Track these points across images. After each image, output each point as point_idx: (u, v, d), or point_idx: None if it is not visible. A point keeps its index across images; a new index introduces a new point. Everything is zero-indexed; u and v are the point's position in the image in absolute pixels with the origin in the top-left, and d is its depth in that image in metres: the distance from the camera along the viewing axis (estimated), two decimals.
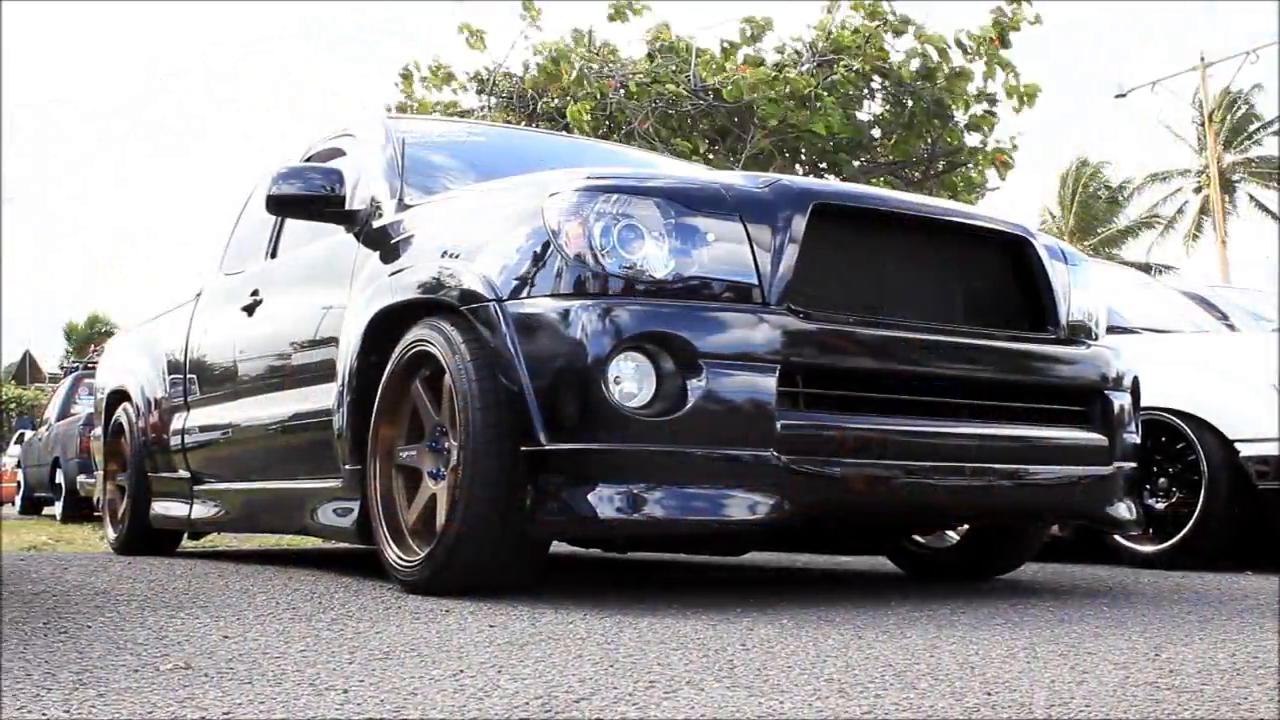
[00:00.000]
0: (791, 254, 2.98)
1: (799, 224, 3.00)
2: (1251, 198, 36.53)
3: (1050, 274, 3.45)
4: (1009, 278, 3.46)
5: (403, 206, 3.76)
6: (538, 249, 2.99)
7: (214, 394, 4.78)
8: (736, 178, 3.16)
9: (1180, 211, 37.37)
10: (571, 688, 1.76)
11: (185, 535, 5.74)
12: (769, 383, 2.82)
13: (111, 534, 5.76)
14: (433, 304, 3.25)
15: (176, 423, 5.11)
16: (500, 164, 4.24)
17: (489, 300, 3.00)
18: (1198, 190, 36.07)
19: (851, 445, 2.93)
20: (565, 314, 2.84)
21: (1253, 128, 35.68)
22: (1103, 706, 1.66)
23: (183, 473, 5.05)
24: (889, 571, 4.33)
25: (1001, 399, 3.24)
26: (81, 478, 11.15)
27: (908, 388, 3.08)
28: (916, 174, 10.41)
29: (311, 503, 3.84)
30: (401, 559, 3.22)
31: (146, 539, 5.47)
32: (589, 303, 2.83)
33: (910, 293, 3.30)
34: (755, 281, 2.93)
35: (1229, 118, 34.59)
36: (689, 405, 2.77)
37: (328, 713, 1.59)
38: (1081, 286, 3.57)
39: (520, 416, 2.88)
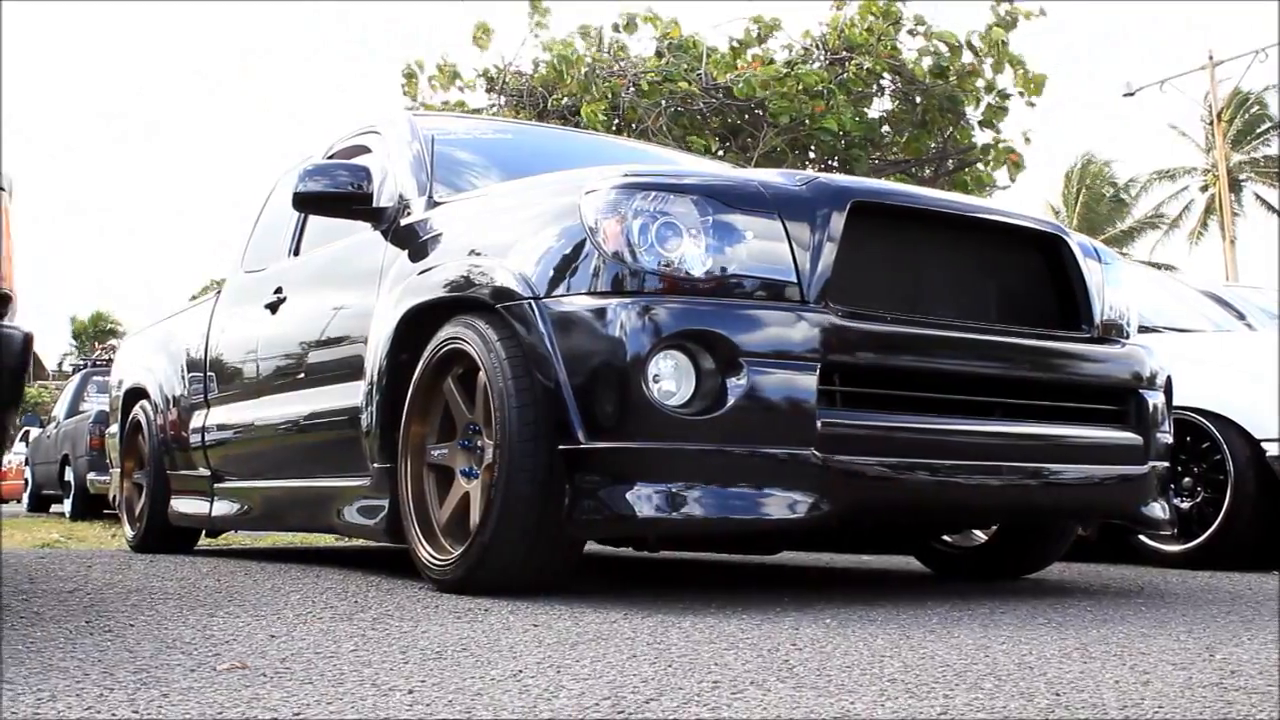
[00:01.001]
0: (830, 252, 2.96)
1: (837, 222, 2.99)
2: (1258, 197, 36.51)
3: (1085, 272, 3.43)
4: (1044, 276, 3.45)
5: (432, 204, 3.75)
6: (574, 246, 2.97)
7: (236, 391, 4.77)
8: (774, 175, 3.14)
9: (1187, 209, 37.36)
10: (636, 688, 1.75)
11: (203, 533, 5.73)
12: (809, 381, 2.81)
13: (129, 532, 5.76)
14: (465, 302, 3.23)
15: (196, 420, 5.10)
16: (527, 161, 4.23)
17: (525, 298, 2.98)
18: (1204, 189, 36.04)
19: (891, 444, 2.91)
20: (603, 312, 2.82)
21: (1263, 128, 35.59)
22: (1174, 708, 1.65)
23: (203, 470, 5.04)
24: (916, 570, 4.32)
25: (1037, 398, 3.23)
26: (92, 475, 11.14)
27: (946, 386, 3.06)
28: (927, 171, 10.39)
29: (337, 501, 3.83)
30: (434, 558, 3.20)
31: (165, 537, 5.47)
32: (628, 300, 2.81)
33: (946, 291, 3.28)
34: (794, 279, 2.92)
35: (1238, 118, 34.50)
36: (729, 404, 2.75)
37: (398, 713, 1.57)
38: (1114, 285, 3.55)
39: (557, 415, 2.86)
